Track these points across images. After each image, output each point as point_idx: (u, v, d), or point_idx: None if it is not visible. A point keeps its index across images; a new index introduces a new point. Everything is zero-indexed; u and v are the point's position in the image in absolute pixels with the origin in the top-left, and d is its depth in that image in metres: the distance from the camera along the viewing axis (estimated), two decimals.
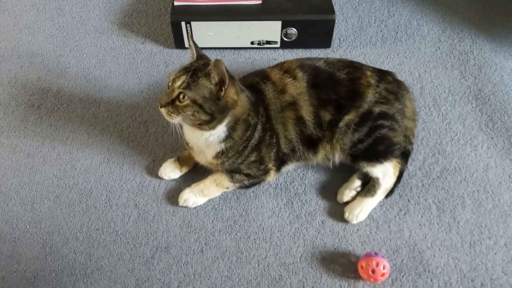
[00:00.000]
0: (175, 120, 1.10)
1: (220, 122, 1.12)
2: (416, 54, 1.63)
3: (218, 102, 1.09)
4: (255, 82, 1.24)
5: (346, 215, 1.23)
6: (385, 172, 1.22)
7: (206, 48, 1.59)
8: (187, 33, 1.59)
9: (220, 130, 1.14)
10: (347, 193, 1.26)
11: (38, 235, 1.24)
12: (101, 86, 1.57)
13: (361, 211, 1.22)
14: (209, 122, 1.11)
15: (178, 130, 1.14)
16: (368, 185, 1.24)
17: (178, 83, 1.07)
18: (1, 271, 1.19)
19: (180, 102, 1.07)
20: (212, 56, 1.17)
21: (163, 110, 1.09)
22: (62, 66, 1.64)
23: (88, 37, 1.73)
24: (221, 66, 1.04)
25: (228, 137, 1.16)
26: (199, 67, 1.09)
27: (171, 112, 1.08)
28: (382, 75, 1.27)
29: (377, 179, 1.22)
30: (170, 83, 1.10)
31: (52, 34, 1.75)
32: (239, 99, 1.13)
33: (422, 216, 1.24)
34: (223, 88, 1.08)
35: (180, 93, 1.07)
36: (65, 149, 1.41)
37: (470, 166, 1.34)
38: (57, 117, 1.49)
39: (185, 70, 1.10)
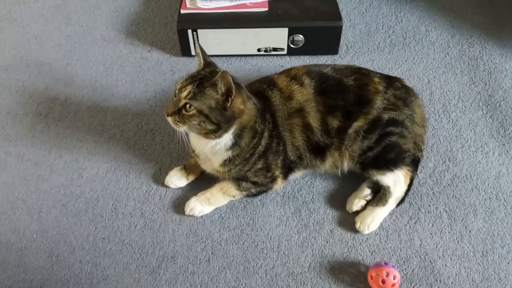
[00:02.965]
0: (182, 128, 1.09)
1: (226, 131, 1.11)
2: (425, 60, 1.62)
3: (224, 112, 1.08)
4: (262, 89, 1.24)
5: (358, 225, 1.21)
6: (396, 181, 1.20)
7: (212, 56, 1.57)
8: (194, 40, 1.59)
9: (227, 138, 1.13)
10: (357, 203, 1.24)
11: (45, 244, 1.24)
12: (108, 95, 1.58)
13: (373, 220, 1.20)
14: (215, 131, 1.10)
15: (185, 138, 1.14)
16: (379, 194, 1.23)
17: (184, 93, 1.07)
18: (8, 280, 1.19)
19: (186, 111, 1.07)
20: (218, 63, 1.17)
21: (169, 119, 1.09)
22: (70, 75, 1.64)
23: (95, 46, 1.74)
24: (228, 77, 1.03)
25: (234, 144, 1.15)
26: (205, 76, 1.09)
27: (177, 121, 1.08)
28: (390, 81, 1.25)
29: (388, 187, 1.20)
30: (176, 91, 1.10)
31: (60, 43, 1.76)
32: (245, 108, 1.12)
33: (433, 225, 1.22)
34: (229, 99, 1.07)
35: (186, 103, 1.06)
36: (72, 158, 1.41)
37: (482, 174, 1.31)
38: (64, 125, 1.50)
39: (192, 79, 1.09)
